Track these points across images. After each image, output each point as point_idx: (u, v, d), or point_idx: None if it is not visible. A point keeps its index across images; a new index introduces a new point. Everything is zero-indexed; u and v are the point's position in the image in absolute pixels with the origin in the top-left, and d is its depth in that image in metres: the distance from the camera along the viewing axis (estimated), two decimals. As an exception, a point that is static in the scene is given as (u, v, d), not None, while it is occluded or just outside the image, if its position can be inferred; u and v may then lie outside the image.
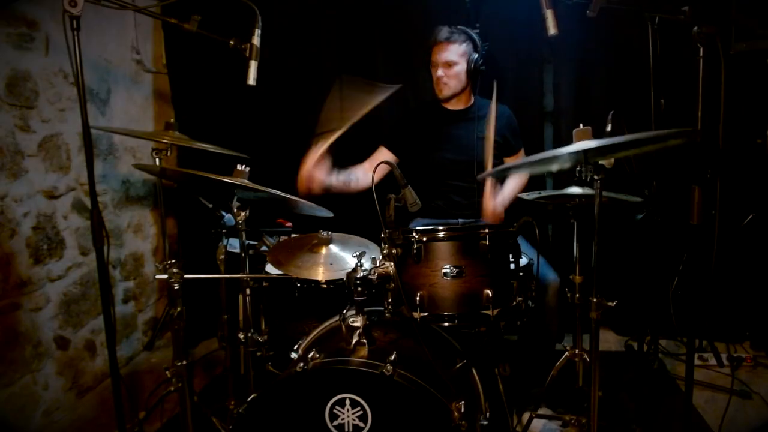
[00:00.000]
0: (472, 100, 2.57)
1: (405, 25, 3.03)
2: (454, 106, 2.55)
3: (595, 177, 1.50)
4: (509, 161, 2.62)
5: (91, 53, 2.67)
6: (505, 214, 2.35)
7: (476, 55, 2.43)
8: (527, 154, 2.68)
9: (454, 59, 2.41)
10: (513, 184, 2.54)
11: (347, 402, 1.44)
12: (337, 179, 2.36)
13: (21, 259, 2.23)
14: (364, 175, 2.46)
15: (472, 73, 2.45)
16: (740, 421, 2.21)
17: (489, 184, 2.30)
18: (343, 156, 2.60)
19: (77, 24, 1.60)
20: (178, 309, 1.62)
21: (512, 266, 1.73)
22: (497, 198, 2.34)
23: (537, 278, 1.87)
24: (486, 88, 2.68)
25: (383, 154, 2.58)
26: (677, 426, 2.16)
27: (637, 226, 2.57)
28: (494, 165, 2.49)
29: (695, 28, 1.68)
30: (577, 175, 1.76)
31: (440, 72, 2.44)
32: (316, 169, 2.25)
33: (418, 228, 1.69)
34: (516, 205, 2.40)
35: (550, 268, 2.23)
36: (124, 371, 2.81)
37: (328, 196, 2.35)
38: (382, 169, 2.23)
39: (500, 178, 2.56)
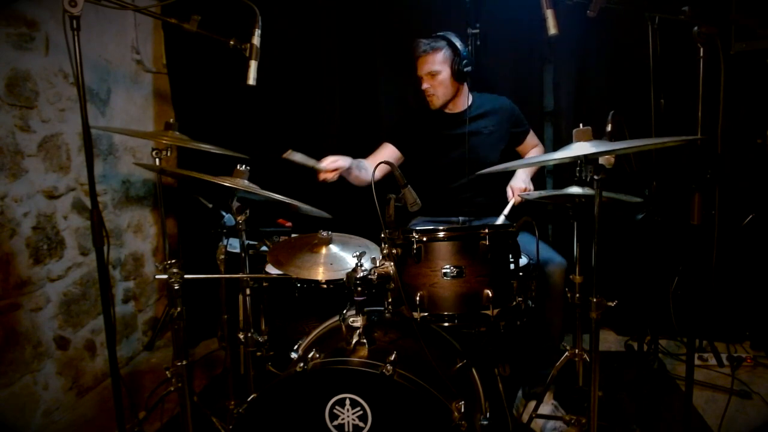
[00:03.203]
0: (470, 99, 2.56)
1: (405, 25, 3.03)
2: (451, 109, 2.55)
3: (595, 177, 1.50)
4: (525, 149, 2.68)
5: (91, 53, 2.67)
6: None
7: (458, 59, 2.40)
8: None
9: (436, 69, 2.40)
10: (534, 153, 2.66)
11: (347, 402, 1.45)
12: (355, 165, 2.36)
13: (21, 259, 2.23)
14: (370, 167, 2.46)
15: (458, 75, 2.42)
16: (740, 421, 2.21)
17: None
18: (341, 146, 2.61)
19: (77, 24, 1.60)
20: (178, 309, 1.62)
21: (512, 266, 1.73)
22: (517, 179, 2.44)
23: (539, 266, 1.86)
24: (484, 84, 2.68)
25: (388, 150, 2.58)
26: (677, 426, 2.16)
27: (637, 226, 2.57)
28: (497, 160, 2.51)
29: (695, 28, 1.68)
30: (577, 175, 1.77)
31: (426, 84, 2.44)
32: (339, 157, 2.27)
33: (418, 228, 1.69)
34: (516, 205, 2.40)
35: (555, 252, 2.24)
36: (124, 371, 2.81)
37: (328, 196, 2.36)
38: (382, 168, 2.24)
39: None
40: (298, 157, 2.12)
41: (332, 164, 2.24)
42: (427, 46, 2.40)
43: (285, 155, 2.08)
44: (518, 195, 2.34)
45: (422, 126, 2.59)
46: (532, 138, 2.69)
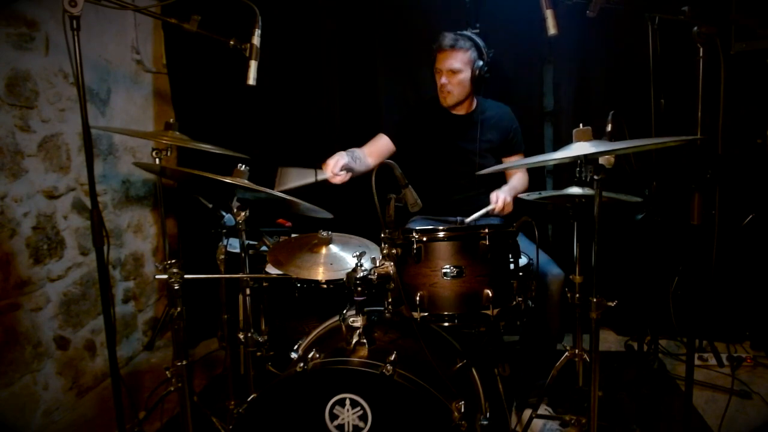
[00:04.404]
0: (475, 103, 2.56)
1: (405, 25, 3.03)
2: (457, 111, 2.54)
3: (595, 177, 1.50)
4: (507, 161, 2.61)
5: (91, 53, 2.67)
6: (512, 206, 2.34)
7: (481, 63, 2.39)
8: (527, 154, 2.68)
9: (458, 67, 2.36)
10: (516, 180, 2.54)
11: (347, 402, 1.45)
12: (350, 157, 2.32)
13: (21, 259, 2.23)
14: (364, 156, 2.45)
15: (476, 80, 2.41)
16: (740, 421, 2.21)
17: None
18: (341, 146, 2.61)
19: (77, 24, 1.60)
20: (178, 309, 1.62)
21: (512, 266, 1.73)
22: (502, 192, 2.31)
23: (538, 274, 1.86)
24: (487, 89, 2.68)
25: (383, 141, 2.56)
26: (677, 426, 2.16)
27: (637, 226, 2.57)
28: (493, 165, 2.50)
29: (695, 28, 1.68)
30: (577, 175, 1.77)
31: (444, 80, 2.40)
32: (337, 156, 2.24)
33: (418, 228, 1.68)
34: (516, 205, 2.40)
35: (554, 263, 2.23)
36: (124, 371, 2.81)
37: (328, 196, 2.35)
38: (376, 159, 2.22)
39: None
40: (292, 182, 2.03)
41: (336, 166, 2.19)
42: (455, 41, 2.35)
43: (278, 188, 2.01)
44: (497, 206, 2.24)
45: (425, 124, 2.58)
46: (520, 156, 2.62)
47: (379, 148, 2.53)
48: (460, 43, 2.36)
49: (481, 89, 2.53)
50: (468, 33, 2.43)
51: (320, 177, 2.16)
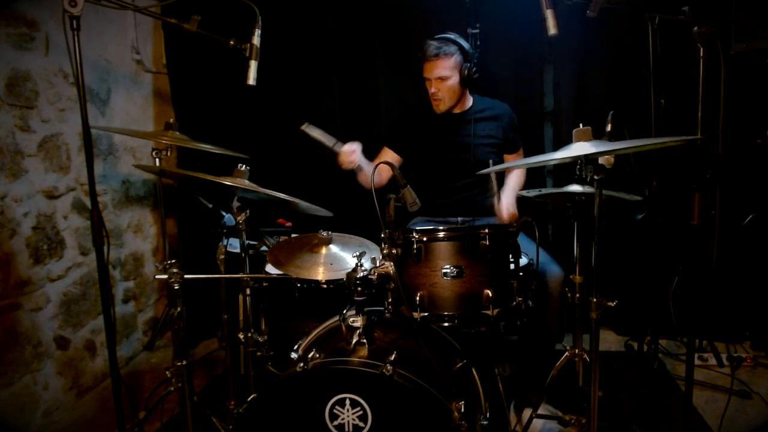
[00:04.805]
0: (471, 101, 2.57)
1: (405, 25, 3.03)
2: (453, 110, 2.55)
3: (595, 177, 1.50)
4: (510, 159, 2.62)
5: (91, 53, 2.67)
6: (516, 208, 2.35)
7: (468, 64, 2.40)
8: (527, 154, 2.69)
9: (446, 74, 2.38)
10: (514, 180, 2.55)
11: (347, 402, 1.45)
12: (365, 162, 2.38)
13: (21, 259, 2.23)
14: (377, 174, 2.47)
15: (465, 81, 2.43)
16: (740, 421, 2.21)
17: (498, 193, 2.33)
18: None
19: (77, 24, 1.60)
20: (178, 309, 1.62)
21: (512, 266, 1.73)
22: (504, 200, 2.34)
23: (537, 272, 1.87)
24: (485, 84, 2.68)
25: (387, 155, 2.59)
26: (677, 426, 2.16)
27: (637, 226, 2.57)
28: (494, 164, 2.50)
29: (695, 28, 1.68)
30: (577, 174, 1.77)
31: (433, 89, 2.42)
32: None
33: (418, 228, 1.68)
34: (516, 204, 2.41)
35: (554, 262, 2.23)
36: (124, 371, 2.81)
37: (328, 197, 2.36)
38: (386, 175, 2.26)
39: (499, 175, 2.57)
40: (316, 132, 2.15)
41: (351, 147, 2.27)
42: (438, 50, 2.35)
43: (302, 127, 2.13)
44: (505, 220, 2.28)
45: (423, 126, 2.59)
46: (521, 153, 2.67)
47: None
48: (443, 50, 2.36)
49: (474, 87, 2.53)
50: (451, 36, 2.42)
51: (337, 147, 2.24)
